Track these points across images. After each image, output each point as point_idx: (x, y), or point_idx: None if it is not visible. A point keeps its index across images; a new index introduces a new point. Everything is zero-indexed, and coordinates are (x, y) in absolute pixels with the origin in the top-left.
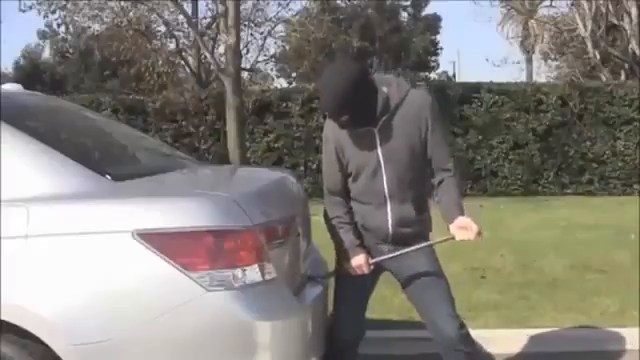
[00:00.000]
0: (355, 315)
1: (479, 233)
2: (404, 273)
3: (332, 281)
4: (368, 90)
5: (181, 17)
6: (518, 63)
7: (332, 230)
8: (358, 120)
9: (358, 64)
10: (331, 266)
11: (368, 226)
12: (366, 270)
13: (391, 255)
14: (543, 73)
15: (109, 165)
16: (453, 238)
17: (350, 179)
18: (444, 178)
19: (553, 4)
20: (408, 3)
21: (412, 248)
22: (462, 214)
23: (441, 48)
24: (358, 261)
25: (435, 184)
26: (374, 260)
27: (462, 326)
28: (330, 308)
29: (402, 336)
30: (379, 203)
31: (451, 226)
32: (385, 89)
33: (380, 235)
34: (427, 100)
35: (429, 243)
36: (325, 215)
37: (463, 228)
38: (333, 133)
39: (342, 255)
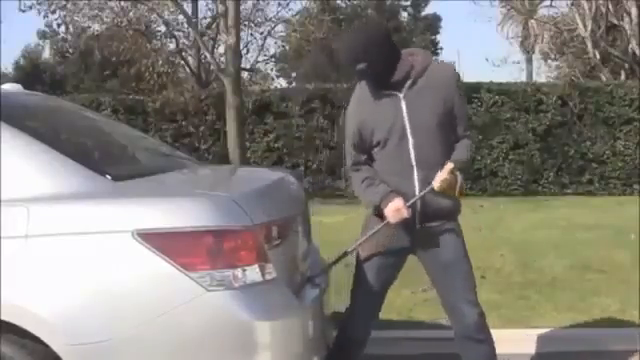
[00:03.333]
0: (372, 311)
1: (461, 193)
2: (430, 256)
3: (349, 276)
4: (387, 46)
5: (181, 17)
6: (518, 63)
7: (361, 189)
8: (376, 73)
9: (381, 24)
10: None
11: None
12: (405, 214)
13: (421, 193)
14: (543, 73)
15: (109, 165)
16: (433, 190)
17: (377, 149)
18: (460, 139)
19: (553, 4)
20: (408, 3)
21: (420, 194)
22: (456, 165)
23: (441, 48)
24: (396, 204)
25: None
26: (410, 202)
27: (481, 314)
28: (329, 308)
29: (402, 336)
30: (406, 171)
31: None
32: (410, 57)
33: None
34: (453, 72)
35: (413, 199)
36: (355, 184)
37: (446, 181)
38: (357, 107)
39: (381, 205)
